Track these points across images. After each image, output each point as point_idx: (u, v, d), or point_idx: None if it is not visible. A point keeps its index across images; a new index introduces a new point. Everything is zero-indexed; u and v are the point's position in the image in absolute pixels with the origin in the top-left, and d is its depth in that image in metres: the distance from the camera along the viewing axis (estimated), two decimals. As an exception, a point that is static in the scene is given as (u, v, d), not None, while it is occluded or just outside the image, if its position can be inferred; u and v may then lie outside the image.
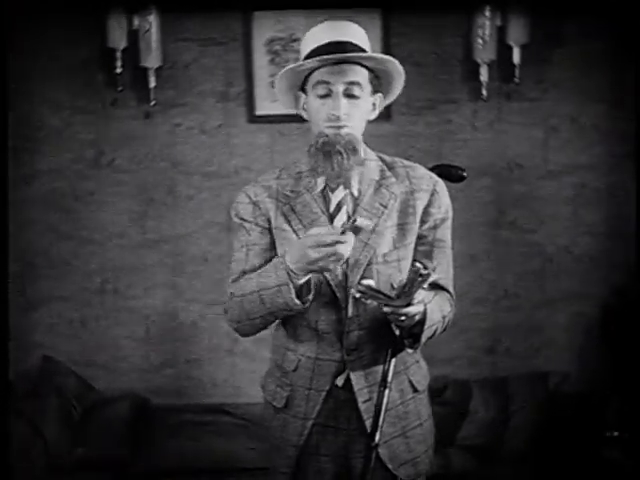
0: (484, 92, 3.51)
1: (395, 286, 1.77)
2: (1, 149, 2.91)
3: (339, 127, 1.88)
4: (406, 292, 1.75)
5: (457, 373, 3.55)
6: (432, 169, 2.09)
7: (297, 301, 1.82)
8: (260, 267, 1.95)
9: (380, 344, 1.94)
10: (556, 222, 3.61)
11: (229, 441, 3.34)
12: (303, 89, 1.94)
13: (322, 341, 1.95)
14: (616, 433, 3.10)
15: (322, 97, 1.88)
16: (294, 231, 1.94)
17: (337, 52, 1.85)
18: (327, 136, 1.88)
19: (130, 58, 3.47)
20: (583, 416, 3.28)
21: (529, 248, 3.62)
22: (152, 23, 3.44)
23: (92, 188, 3.62)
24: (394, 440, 1.97)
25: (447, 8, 3.47)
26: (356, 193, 1.94)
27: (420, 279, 1.72)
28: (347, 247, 1.76)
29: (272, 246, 1.99)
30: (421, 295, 1.80)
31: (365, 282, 1.77)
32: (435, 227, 1.98)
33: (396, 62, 1.92)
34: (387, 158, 2.02)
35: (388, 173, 1.97)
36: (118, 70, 3.47)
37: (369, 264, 1.91)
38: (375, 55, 1.90)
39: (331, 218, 1.93)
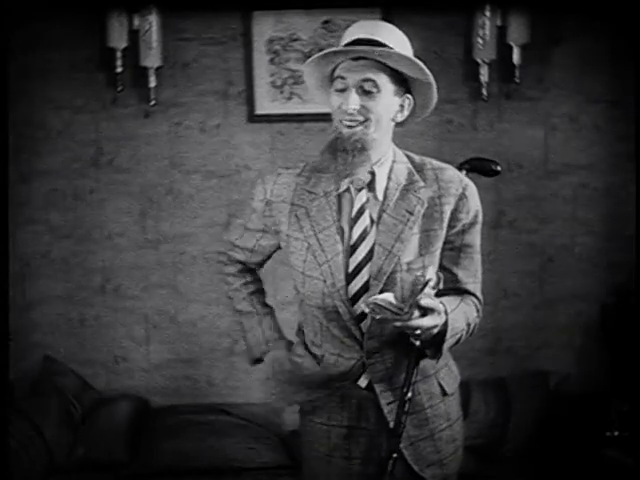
0: (484, 92, 3.51)
1: (395, 302, 1.73)
2: (1, 149, 2.89)
3: (353, 125, 1.84)
4: (411, 303, 1.71)
5: (457, 373, 3.56)
6: (463, 163, 2.05)
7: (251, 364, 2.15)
8: (250, 250, 2.07)
9: (402, 348, 1.91)
10: (556, 222, 3.62)
11: (228, 441, 3.34)
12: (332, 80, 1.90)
13: (343, 344, 1.94)
14: (616, 433, 3.10)
15: (339, 91, 1.86)
16: (305, 237, 1.91)
17: (368, 45, 1.82)
18: (340, 133, 1.86)
19: (130, 58, 3.47)
20: (583, 416, 3.28)
21: (529, 248, 3.62)
22: (152, 23, 3.44)
23: (92, 187, 3.62)
24: (420, 442, 1.95)
25: (447, 8, 3.46)
26: (381, 197, 1.90)
27: (420, 287, 1.70)
28: None
29: (268, 244, 2.03)
30: (440, 305, 1.77)
31: (372, 299, 1.74)
32: (463, 232, 1.93)
33: (414, 60, 1.86)
34: (416, 159, 1.97)
35: (416, 177, 1.92)
36: (118, 69, 3.46)
37: (393, 272, 1.87)
38: (388, 51, 1.83)
39: (350, 226, 1.90)
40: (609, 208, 3.62)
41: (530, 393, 3.43)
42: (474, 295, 1.96)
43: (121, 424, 3.41)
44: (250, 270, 2.15)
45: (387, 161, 1.91)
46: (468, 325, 1.91)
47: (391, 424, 1.90)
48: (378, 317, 1.76)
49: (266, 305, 2.16)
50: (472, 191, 1.93)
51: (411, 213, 1.88)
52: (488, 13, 3.44)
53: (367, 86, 1.83)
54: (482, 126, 3.58)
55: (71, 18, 3.45)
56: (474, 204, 1.93)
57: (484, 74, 3.49)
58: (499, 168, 2.08)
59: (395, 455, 1.86)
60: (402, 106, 1.90)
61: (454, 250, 1.93)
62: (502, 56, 3.48)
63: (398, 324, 1.74)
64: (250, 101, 3.56)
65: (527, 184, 3.61)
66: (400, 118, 1.92)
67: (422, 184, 1.91)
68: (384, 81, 1.84)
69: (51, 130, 3.59)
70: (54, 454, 3.27)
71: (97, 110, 3.57)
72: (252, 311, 2.13)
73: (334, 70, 1.88)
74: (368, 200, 1.90)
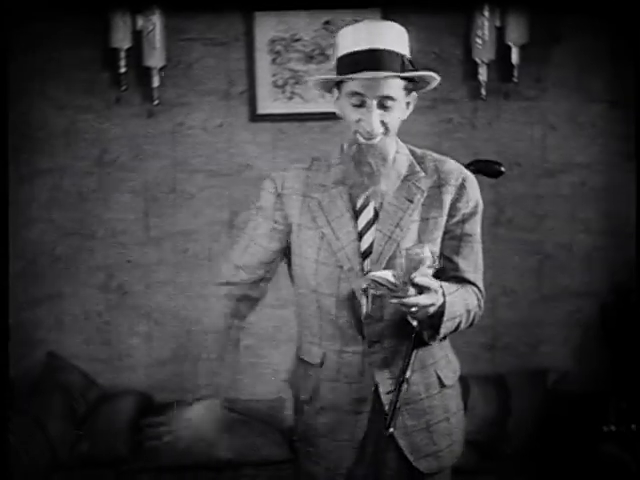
0: (483, 91, 3.52)
1: (392, 280, 1.77)
2: (1, 149, 2.87)
3: (372, 137, 1.88)
4: (404, 280, 1.76)
5: (456, 369, 3.56)
6: (469, 165, 2.08)
7: None
8: (252, 267, 2.00)
9: (402, 337, 1.95)
10: (554, 220, 3.63)
11: (231, 436, 3.31)
12: (338, 86, 1.93)
13: (345, 335, 1.97)
14: (613, 428, 3.11)
15: (355, 106, 1.88)
16: (318, 227, 1.95)
17: (372, 64, 1.84)
18: (360, 145, 1.89)
19: (134, 58, 3.49)
20: (582, 412, 3.28)
21: (527, 246, 3.63)
22: (156, 23, 3.45)
23: (96, 186, 3.63)
24: (416, 433, 1.98)
25: (447, 9, 3.48)
26: (384, 188, 1.94)
27: (414, 265, 1.74)
28: None
29: (277, 248, 2.02)
30: (436, 284, 1.81)
31: (370, 275, 1.80)
32: (463, 221, 1.97)
33: (431, 74, 1.92)
34: (418, 151, 2.01)
35: (417, 168, 1.97)
36: (122, 69, 3.48)
37: (392, 258, 1.91)
38: (410, 75, 1.88)
39: (356, 215, 1.95)
40: (607, 206, 3.62)
41: (528, 389, 3.44)
42: (475, 285, 1.99)
43: (124, 420, 3.41)
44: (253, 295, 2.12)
45: (391, 152, 1.95)
46: (468, 312, 1.94)
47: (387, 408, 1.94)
48: (378, 292, 1.81)
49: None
50: (471, 182, 1.98)
51: (411, 201, 1.93)
52: (487, 14, 3.46)
53: (385, 102, 1.86)
54: (481, 125, 3.60)
55: (75, 19, 3.46)
56: (473, 194, 1.98)
57: (483, 74, 3.50)
58: (503, 169, 2.11)
59: (388, 433, 1.89)
60: (408, 103, 1.94)
61: (454, 239, 1.97)
62: (501, 56, 3.50)
63: (394, 301, 1.78)
64: (252, 101, 3.58)
65: (526, 182, 3.61)
66: (406, 115, 1.95)
67: (423, 174, 1.96)
68: (398, 92, 1.88)
69: (55, 129, 3.60)
70: (57, 450, 3.27)
71: (101, 109, 3.58)
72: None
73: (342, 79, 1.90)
74: (373, 191, 1.94)
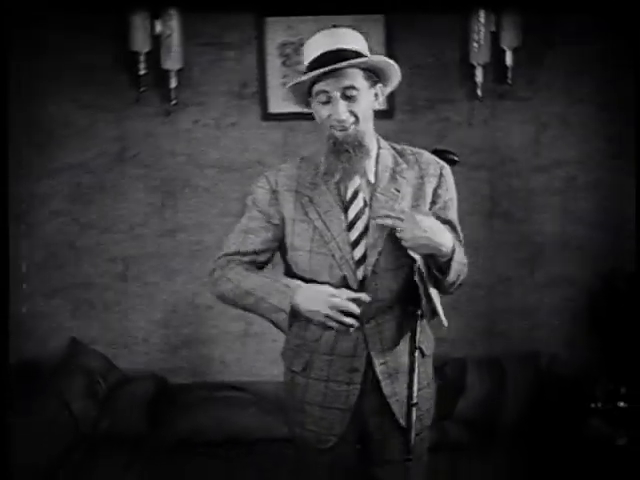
0: (479, 92, 3.60)
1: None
2: (1, 149, 2.95)
3: (346, 127, 2.00)
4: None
5: (455, 352, 3.56)
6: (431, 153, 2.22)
7: (286, 328, 2.01)
8: (254, 253, 2.08)
9: (396, 315, 2.09)
10: (546, 212, 3.69)
11: (241, 415, 3.41)
12: (310, 94, 2.06)
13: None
14: (600, 404, 3.20)
15: (324, 104, 2.01)
16: (311, 220, 2.07)
17: (330, 62, 1.96)
18: (336, 138, 2.02)
19: (153, 60, 3.56)
20: (572, 392, 3.37)
21: (521, 237, 3.69)
22: (173, 28, 3.52)
23: (115, 181, 3.69)
24: (406, 400, 2.07)
25: (445, 15, 3.55)
26: (373, 180, 2.08)
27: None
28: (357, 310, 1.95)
29: (272, 239, 2.10)
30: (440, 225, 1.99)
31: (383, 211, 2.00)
32: (445, 208, 2.11)
33: (383, 58, 2.05)
34: (397, 146, 2.16)
35: (400, 160, 2.11)
36: (141, 72, 3.55)
37: (386, 243, 2.04)
38: (362, 60, 2.00)
39: (346, 207, 2.07)
40: (596, 199, 3.67)
41: (522, 371, 3.48)
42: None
43: (142, 400, 3.47)
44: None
45: (374, 148, 2.10)
46: (464, 265, 2.08)
47: (383, 383, 2.07)
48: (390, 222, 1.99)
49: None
50: (448, 170, 2.14)
51: (399, 191, 2.08)
52: (482, 20, 3.52)
53: (348, 92, 1.99)
54: (477, 124, 3.66)
55: (99, 24, 3.55)
56: (451, 181, 2.14)
57: (479, 76, 3.57)
58: (457, 158, 2.24)
59: (413, 402, 2.00)
60: (377, 94, 2.07)
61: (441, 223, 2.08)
62: (496, 59, 3.57)
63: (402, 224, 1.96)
64: (263, 100, 3.65)
65: (519, 177, 3.68)
66: (377, 106, 2.08)
67: (405, 166, 2.11)
68: (360, 81, 2.01)
69: (78, 127, 3.66)
70: (80, 426, 3.38)
71: (121, 109, 3.65)
72: (265, 281, 2.08)
73: (311, 86, 2.03)
74: (361, 184, 2.08)
